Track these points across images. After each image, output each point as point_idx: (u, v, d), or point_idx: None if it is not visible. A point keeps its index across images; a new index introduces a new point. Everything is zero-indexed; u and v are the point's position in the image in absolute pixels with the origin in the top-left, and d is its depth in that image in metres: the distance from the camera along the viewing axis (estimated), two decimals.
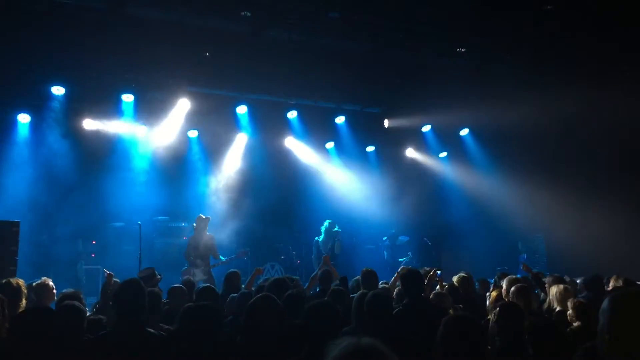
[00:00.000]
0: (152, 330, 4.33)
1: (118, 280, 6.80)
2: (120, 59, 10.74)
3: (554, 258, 13.30)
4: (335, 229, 11.95)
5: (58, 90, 11.27)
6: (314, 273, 8.22)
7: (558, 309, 5.90)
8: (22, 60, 10.28)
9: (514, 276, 7.04)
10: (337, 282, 7.25)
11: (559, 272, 8.04)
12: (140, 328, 4.19)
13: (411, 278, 5.88)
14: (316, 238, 12.08)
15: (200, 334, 3.98)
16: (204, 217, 11.03)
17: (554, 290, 6.24)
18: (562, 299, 6.02)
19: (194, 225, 11.02)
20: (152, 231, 12.34)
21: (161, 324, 5.44)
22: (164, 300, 6.49)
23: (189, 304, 5.41)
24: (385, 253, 13.92)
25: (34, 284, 6.27)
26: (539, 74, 12.04)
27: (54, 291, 6.28)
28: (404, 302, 5.70)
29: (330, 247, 11.80)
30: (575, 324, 5.18)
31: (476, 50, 11.57)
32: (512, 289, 5.87)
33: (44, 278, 6.36)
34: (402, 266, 8.88)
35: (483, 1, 9.67)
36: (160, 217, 12.70)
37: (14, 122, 11.55)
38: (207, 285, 5.92)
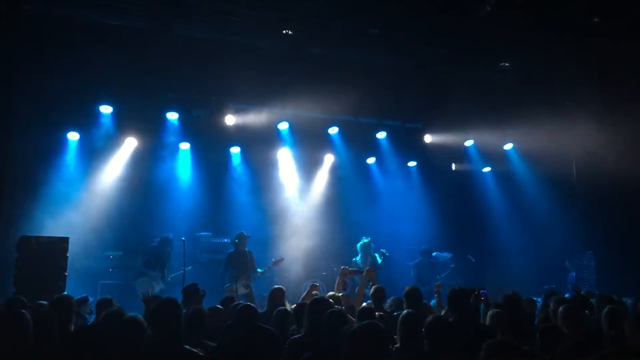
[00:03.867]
0: (189, 348, 4.33)
1: (160, 297, 6.91)
2: (165, 78, 11.00)
3: (603, 276, 12.85)
4: (366, 243, 11.93)
5: (106, 109, 11.60)
6: (357, 288, 8.22)
7: (611, 331, 5.67)
8: (72, 80, 10.60)
9: (561, 296, 6.84)
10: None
11: (608, 291, 7.77)
12: (177, 346, 4.20)
13: (458, 296, 5.78)
14: (354, 259, 12.02)
15: (241, 353, 3.99)
16: (245, 234, 11.21)
17: (602, 310, 6.02)
18: (612, 319, 5.80)
19: (235, 242, 11.17)
20: (196, 247, 12.49)
21: (205, 341, 5.48)
22: None
23: (230, 322, 5.44)
24: (415, 271, 13.42)
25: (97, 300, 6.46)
26: (585, 88, 11.74)
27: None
28: (450, 320, 5.59)
29: (369, 263, 11.74)
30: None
31: (520, 65, 11.39)
32: (560, 309, 5.69)
33: (107, 296, 6.56)
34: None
35: (526, 15, 9.54)
36: (203, 233, 12.85)
37: (64, 140, 11.90)
38: (247, 304, 5.91)
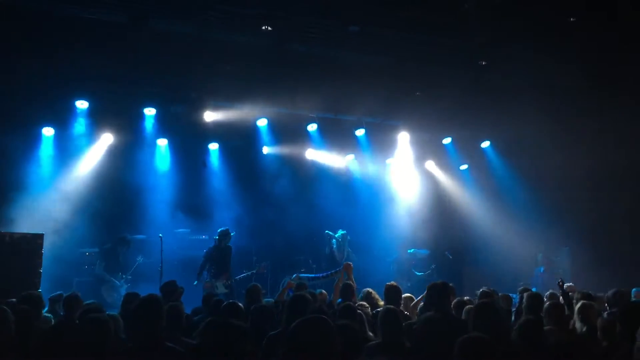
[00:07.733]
0: (171, 345, 4.31)
1: (139, 294, 6.83)
2: (143, 73, 10.88)
3: (578, 273, 13.03)
4: (342, 235, 12.17)
5: (82, 105, 11.43)
6: (335, 282, 8.27)
7: (584, 327, 5.74)
8: (47, 74, 10.42)
9: (533, 292, 6.93)
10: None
11: (582, 287, 7.88)
12: (159, 343, 4.19)
13: (437, 290, 5.80)
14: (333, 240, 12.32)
15: (221, 350, 3.95)
16: (229, 232, 11.16)
17: (578, 307, 6.10)
18: (587, 316, 5.88)
19: (217, 238, 11.12)
20: (173, 244, 12.39)
21: (183, 338, 5.43)
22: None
23: (210, 318, 5.41)
24: (395, 267, 13.56)
25: (64, 295, 6.34)
26: (561, 86, 11.88)
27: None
28: (429, 314, 5.62)
29: (345, 256, 12.04)
30: (603, 344, 5.07)
31: (497, 63, 11.48)
32: (544, 306, 5.78)
33: (74, 291, 6.46)
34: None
35: (504, 14, 9.62)
36: (181, 230, 12.76)
37: (38, 135, 11.72)
38: (232, 302, 5.89)
